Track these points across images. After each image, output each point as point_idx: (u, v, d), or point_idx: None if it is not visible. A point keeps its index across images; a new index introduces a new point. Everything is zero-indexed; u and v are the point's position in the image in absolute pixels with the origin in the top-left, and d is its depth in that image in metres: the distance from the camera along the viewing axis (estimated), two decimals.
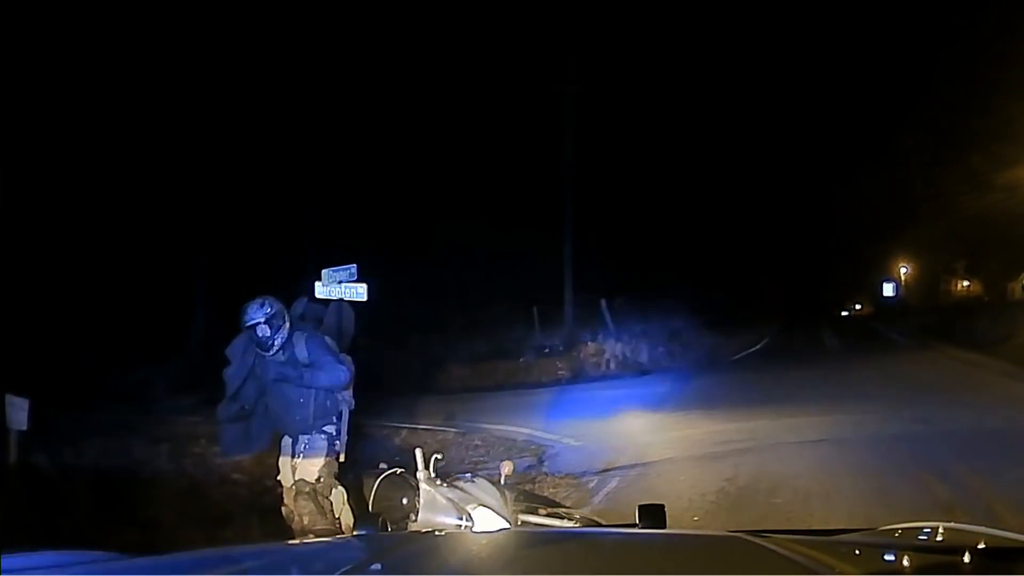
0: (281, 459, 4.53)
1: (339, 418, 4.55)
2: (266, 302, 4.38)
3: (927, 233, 32.79)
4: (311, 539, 3.80)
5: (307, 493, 4.32)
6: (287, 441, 4.50)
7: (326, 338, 4.64)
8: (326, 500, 4.35)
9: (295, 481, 4.38)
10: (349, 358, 4.65)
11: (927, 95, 26.83)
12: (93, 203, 15.69)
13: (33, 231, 13.15)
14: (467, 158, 21.67)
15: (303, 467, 4.39)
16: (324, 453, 4.40)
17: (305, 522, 4.27)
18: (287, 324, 4.41)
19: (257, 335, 4.32)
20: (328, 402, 4.49)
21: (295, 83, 18.65)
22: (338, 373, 4.42)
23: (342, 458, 4.51)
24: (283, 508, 4.49)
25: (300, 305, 4.83)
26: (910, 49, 28.01)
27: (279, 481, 4.56)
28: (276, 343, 4.35)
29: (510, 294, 20.34)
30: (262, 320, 4.31)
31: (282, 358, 4.40)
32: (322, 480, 4.36)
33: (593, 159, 22.12)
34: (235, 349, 4.56)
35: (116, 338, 14.39)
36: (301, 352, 4.40)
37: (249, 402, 4.53)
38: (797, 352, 22.82)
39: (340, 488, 4.39)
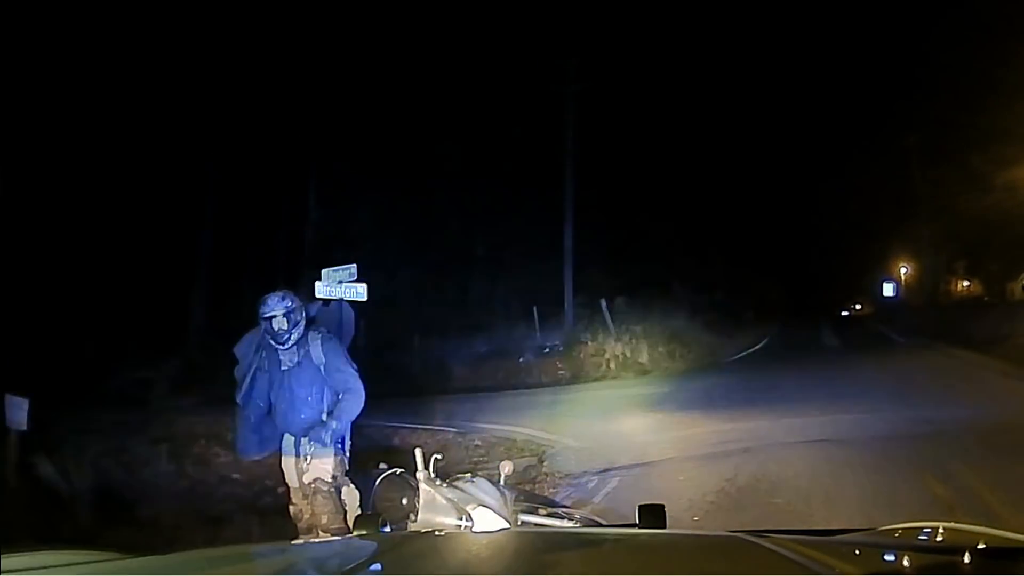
0: (284, 460, 4.50)
1: None
2: (286, 295, 4.36)
3: (927, 233, 32.77)
4: (311, 539, 3.80)
5: (326, 492, 4.31)
6: (289, 440, 4.46)
7: (339, 342, 4.63)
8: (341, 499, 4.35)
9: (313, 481, 4.35)
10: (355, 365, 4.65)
11: (927, 94, 26.79)
12: (93, 203, 15.69)
13: (33, 230, 13.15)
14: (468, 157, 21.68)
15: (316, 467, 4.36)
16: (333, 451, 4.39)
17: (324, 521, 4.25)
18: (303, 321, 4.40)
19: (273, 327, 4.29)
20: (344, 401, 4.48)
21: (297, 82, 18.65)
22: (360, 397, 4.41)
23: (346, 463, 4.50)
24: (291, 508, 4.48)
25: (313, 308, 4.83)
26: (911, 48, 27.99)
27: (287, 482, 4.54)
28: (292, 338, 4.32)
29: (510, 294, 20.34)
30: (280, 313, 4.29)
31: (296, 356, 4.39)
32: (337, 478, 4.36)
33: (593, 158, 22.13)
34: (243, 347, 4.54)
35: (116, 337, 14.40)
36: (317, 353, 4.38)
37: (263, 399, 4.50)
38: (797, 352, 22.80)
39: (353, 487, 4.38)
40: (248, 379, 4.47)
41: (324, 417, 4.38)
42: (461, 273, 21.59)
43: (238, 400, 4.52)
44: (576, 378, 16.45)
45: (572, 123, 21.14)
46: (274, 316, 4.28)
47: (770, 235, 44.66)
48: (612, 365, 17.12)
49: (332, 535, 4.03)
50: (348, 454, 4.51)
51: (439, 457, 2.35)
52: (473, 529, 2.09)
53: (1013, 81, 19.12)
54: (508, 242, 21.24)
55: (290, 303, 4.33)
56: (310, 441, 4.39)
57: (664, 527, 1.88)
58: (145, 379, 13.95)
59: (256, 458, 4.77)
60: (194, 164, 17.65)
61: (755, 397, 11.97)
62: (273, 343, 4.35)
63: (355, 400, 4.39)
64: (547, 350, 18.40)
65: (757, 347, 24.44)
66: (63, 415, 8.01)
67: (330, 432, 4.33)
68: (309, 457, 4.38)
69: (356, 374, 4.44)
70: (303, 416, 4.39)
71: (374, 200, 20.22)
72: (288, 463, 4.47)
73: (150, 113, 16.48)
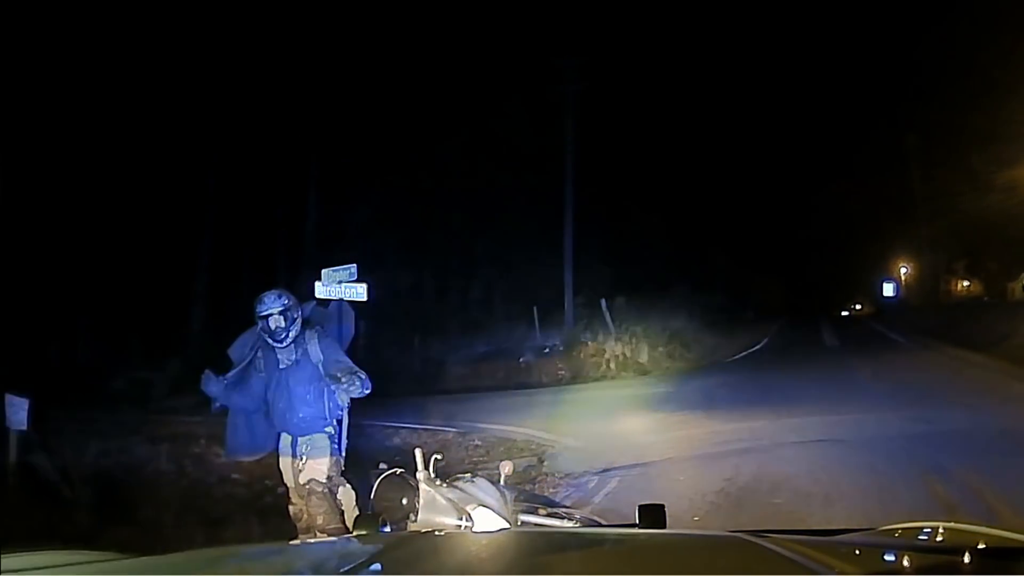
0: (282, 460, 4.50)
1: (339, 421, 4.56)
2: (282, 294, 4.36)
3: (927, 233, 32.78)
4: (311, 539, 3.80)
5: (320, 493, 4.31)
6: (286, 440, 4.47)
7: (335, 340, 4.65)
8: (337, 499, 4.35)
9: (307, 481, 4.35)
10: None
11: (927, 95, 26.82)
12: (93, 204, 15.69)
13: (34, 232, 13.15)
14: (468, 157, 21.68)
15: (311, 467, 4.37)
16: (328, 452, 4.39)
17: (319, 521, 4.26)
18: (300, 319, 4.40)
19: (270, 326, 4.28)
20: (332, 403, 4.48)
21: (297, 83, 18.65)
22: (366, 379, 4.44)
23: (342, 463, 4.51)
24: (291, 507, 4.48)
25: (307, 308, 4.84)
26: (910, 48, 28.00)
27: (285, 482, 4.54)
28: (289, 335, 4.32)
29: (510, 294, 20.35)
30: (277, 311, 4.29)
31: (294, 355, 4.38)
32: (332, 479, 4.36)
33: (594, 158, 22.13)
34: (238, 348, 4.53)
35: (116, 339, 14.41)
36: (314, 351, 4.38)
37: (256, 400, 4.50)
38: (797, 352, 22.78)
39: (349, 487, 4.38)
40: (237, 378, 4.46)
41: (325, 416, 4.39)
42: (461, 273, 21.59)
43: (219, 399, 4.48)
44: (576, 378, 16.45)
45: (572, 123, 21.14)
46: (271, 314, 4.28)
47: (771, 235, 44.73)
48: (612, 365, 17.12)
49: (329, 535, 4.03)
50: (344, 453, 4.51)
51: (439, 457, 2.35)
52: (473, 529, 2.08)
53: (1012, 81, 19.13)
54: (508, 242, 21.24)
55: (286, 301, 4.33)
56: (306, 443, 4.40)
57: (664, 527, 1.88)
58: (145, 379, 13.96)
59: (247, 459, 4.77)
60: (194, 165, 17.65)
61: (755, 397, 11.96)
62: (271, 341, 4.34)
63: (367, 381, 4.41)
64: (547, 350, 18.40)
65: (757, 347, 24.42)
66: (63, 415, 8.02)
67: (323, 436, 4.36)
68: (304, 457, 4.38)
69: (355, 366, 4.47)
70: (302, 415, 4.39)
71: (374, 200, 20.22)
72: (286, 463, 4.48)
73: (150, 114, 16.48)
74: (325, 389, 4.41)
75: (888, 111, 32.59)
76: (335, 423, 4.50)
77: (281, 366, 4.39)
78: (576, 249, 20.89)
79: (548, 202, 21.30)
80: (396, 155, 20.75)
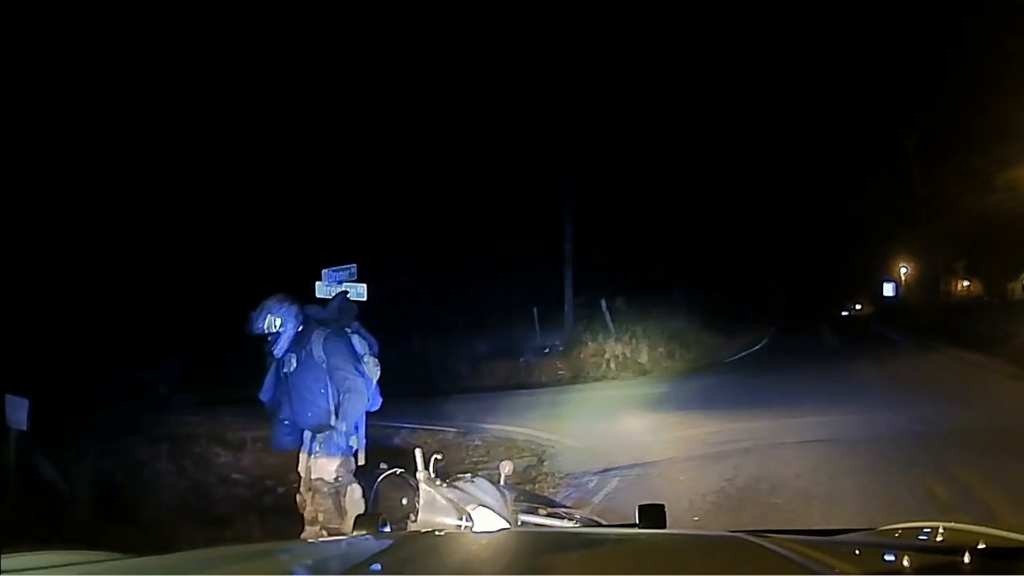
0: (301, 453, 4.59)
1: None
2: (270, 301, 4.45)
3: (927, 233, 32.73)
4: (312, 538, 3.80)
5: (325, 492, 4.36)
6: (307, 436, 4.56)
7: (354, 338, 4.66)
8: (343, 498, 4.39)
9: (313, 479, 4.41)
10: (376, 360, 4.70)
11: (927, 95, 26.79)
12: (95, 204, 15.69)
13: (35, 232, 13.15)
14: (467, 158, 21.68)
15: (320, 466, 4.42)
16: (340, 452, 4.43)
17: (321, 519, 4.32)
18: (294, 322, 4.48)
19: (267, 339, 4.45)
20: (346, 401, 4.51)
21: (299, 86, 18.67)
22: (361, 396, 4.45)
23: (361, 459, 4.53)
24: (297, 496, 4.54)
25: (336, 301, 4.89)
26: (910, 49, 27.98)
27: (298, 472, 4.60)
28: (281, 342, 4.46)
29: (510, 294, 20.34)
30: (266, 320, 4.44)
31: (299, 356, 4.44)
32: (340, 479, 4.40)
33: (593, 159, 22.11)
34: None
35: (117, 338, 14.40)
36: (318, 352, 4.45)
37: (280, 397, 4.60)
38: (797, 352, 22.80)
39: (357, 486, 4.41)
40: (272, 385, 4.63)
41: (332, 420, 4.42)
42: (461, 273, 21.57)
43: (260, 397, 4.68)
44: (576, 378, 16.45)
45: (572, 123, 21.12)
46: (258, 333, 4.41)
47: (770, 235, 44.67)
48: (612, 365, 17.11)
49: (330, 533, 4.07)
50: (356, 452, 4.53)
51: (439, 457, 2.35)
52: (473, 529, 2.08)
53: (1013, 81, 19.12)
54: (508, 242, 21.22)
55: (275, 307, 4.41)
56: (319, 441, 4.46)
57: (664, 527, 1.88)
58: (146, 379, 13.95)
59: (289, 451, 4.84)
60: (196, 164, 17.66)
61: (754, 397, 11.97)
62: (268, 347, 4.44)
63: (356, 400, 4.44)
64: (547, 350, 18.40)
65: (757, 347, 24.43)
66: (64, 415, 8.01)
67: (338, 435, 4.39)
68: (315, 456, 4.45)
69: (356, 373, 4.49)
70: (309, 415, 4.47)
71: (375, 200, 20.22)
72: (302, 456, 4.59)
73: (153, 116, 16.50)
74: (331, 388, 4.45)
75: (888, 111, 32.55)
76: (349, 420, 4.53)
77: (287, 368, 4.48)
78: (576, 249, 20.87)
79: (549, 201, 21.29)
80: (396, 155, 20.75)
